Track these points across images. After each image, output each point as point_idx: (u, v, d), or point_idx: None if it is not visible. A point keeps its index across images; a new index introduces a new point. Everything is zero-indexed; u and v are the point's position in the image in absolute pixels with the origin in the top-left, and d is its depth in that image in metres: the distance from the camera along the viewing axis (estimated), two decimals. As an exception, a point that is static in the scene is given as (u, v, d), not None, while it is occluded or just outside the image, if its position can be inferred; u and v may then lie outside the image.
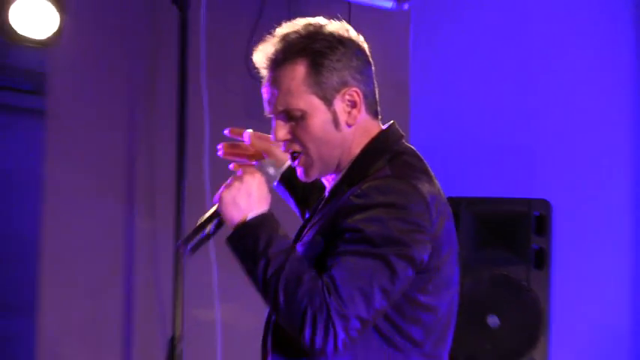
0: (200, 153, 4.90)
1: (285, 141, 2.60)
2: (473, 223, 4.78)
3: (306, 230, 2.62)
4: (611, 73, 5.24)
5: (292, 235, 2.61)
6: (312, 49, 2.55)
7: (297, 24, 2.59)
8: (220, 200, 2.54)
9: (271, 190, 2.61)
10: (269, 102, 2.59)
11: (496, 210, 4.82)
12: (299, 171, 2.62)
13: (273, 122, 2.60)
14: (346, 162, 2.60)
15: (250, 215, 2.51)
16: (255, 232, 2.48)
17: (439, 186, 2.58)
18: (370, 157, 2.58)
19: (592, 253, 5.16)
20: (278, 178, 2.88)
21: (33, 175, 5.68)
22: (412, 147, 2.65)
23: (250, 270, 2.47)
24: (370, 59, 2.63)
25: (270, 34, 2.61)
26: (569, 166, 5.18)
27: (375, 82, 2.63)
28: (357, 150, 2.60)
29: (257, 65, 2.61)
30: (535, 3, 5.24)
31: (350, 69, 2.57)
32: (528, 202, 4.82)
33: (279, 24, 2.62)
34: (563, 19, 5.23)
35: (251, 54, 2.65)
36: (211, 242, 4.71)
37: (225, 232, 2.57)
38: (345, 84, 2.57)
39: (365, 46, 2.63)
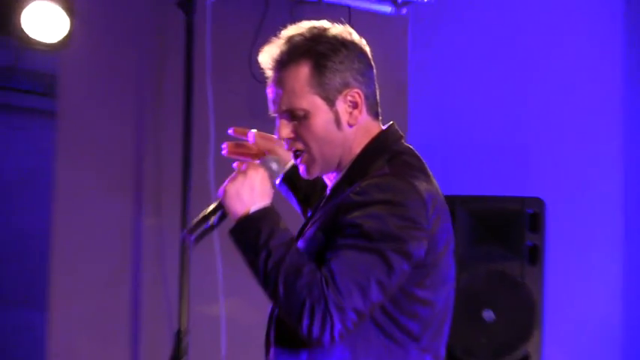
0: (205, 153, 4.90)
1: (288, 139, 2.61)
2: (469, 220, 4.78)
3: (307, 227, 2.62)
4: (603, 73, 5.23)
5: (295, 232, 2.61)
6: (316, 51, 2.56)
7: (302, 27, 2.60)
8: (224, 193, 2.55)
9: (274, 190, 2.62)
10: (273, 101, 2.60)
11: (491, 208, 4.82)
12: (301, 168, 2.63)
13: (277, 121, 2.61)
14: (347, 161, 2.61)
15: (253, 208, 2.52)
16: (257, 225, 2.49)
17: (437, 185, 2.59)
18: (370, 157, 2.59)
19: (584, 250, 5.16)
20: (281, 178, 2.88)
21: (44, 174, 5.68)
22: (411, 147, 2.65)
23: (252, 261, 2.48)
24: (372, 62, 2.64)
25: (273, 37, 2.62)
26: (561, 166, 5.18)
27: (377, 84, 2.64)
28: (357, 149, 2.61)
29: (262, 66, 2.62)
30: (527, 7, 5.24)
31: (352, 71, 2.58)
32: (522, 200, 4.82)
33: (281, 28, 2.63)
34: (554, 20, 5.23)
35: (254, 56, 2.66)
36: (216, 240, 4.74)
37: (230, 229, 2.57)
38: (347, 85, 2.57)
39: (367, 49, 2.63)
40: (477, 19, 5.22)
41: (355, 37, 2.62)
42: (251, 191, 2.54)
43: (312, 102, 2.56)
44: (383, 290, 2.43)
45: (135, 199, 5.06)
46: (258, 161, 2.76)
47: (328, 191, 2.65)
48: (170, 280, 4.95)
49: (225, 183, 2.56)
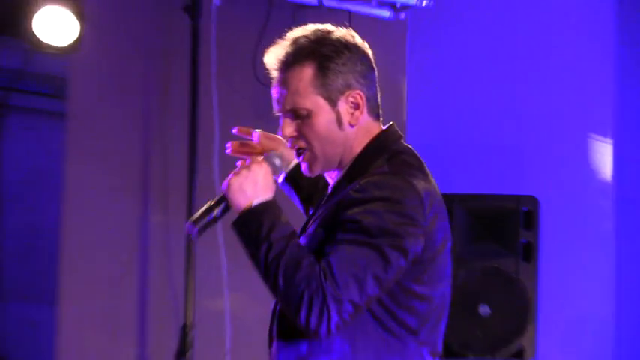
0: (210, 152, 4.91)
1: (291, 138, 2.61)
2: (465, 218, 4.78)
3: (309, 224, 2.63)
4: (596, 73, 5.23)
5: (297, 229, 2.62)
6: (319, 53, 2.57)
7: (307, 29, 2.61)
8: (228, 186, 2.56)
9: (277, 189, 2.63)
10: (278, 101, 2.61)
11: (487, 206, 4.82)
12: (303, 166, 2.64)
13: (281, 120, 2.62)
14: (348, 160, 2.62)
15: (255, 202, 2.53)
16: (259, 218, 2.50)
17: (435, 183, 2.60)
18: (370, 156, 2.60)
19: (577, 247, 5.16)
20: (284, 177, 2.90)
21: (54, 173, 5.70)
22: (410, 147, 2.66)
23: (253, 253, 2.49)
24: (374, 65, 2.64)
25: (277, 39, 2.63)
26: (555, 165, 5.18)
27: (378, 86, 2.65)
28: (358, 149, 2.62)
29: (268, 66, 2.62)
30: (521, 11, 5.24)
31: (354, 73, 2.59)
32: (517, 198, 4.83)
33: (284, 32, 2.64)
34: (545, 23, 5.22)
35: (258, 59, 2.67)
36: (221, 238, 4.74)
37: (232, 221, 2.58)
38: (349, 86, 2.58)
39: (369, 52, 2.64)
40: (473, 24, 5.22)
41: (358, 40, 2.63)
42: (254, 185, 2.55)
43: (315, 102, 2.57)
44: (379, 284, 2.44)
45: (142, 198, 5.08)
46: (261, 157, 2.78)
47: (330, 189, 2.66)
48: (176, 275, 4.96)
49: (230, 176, 2.57)
